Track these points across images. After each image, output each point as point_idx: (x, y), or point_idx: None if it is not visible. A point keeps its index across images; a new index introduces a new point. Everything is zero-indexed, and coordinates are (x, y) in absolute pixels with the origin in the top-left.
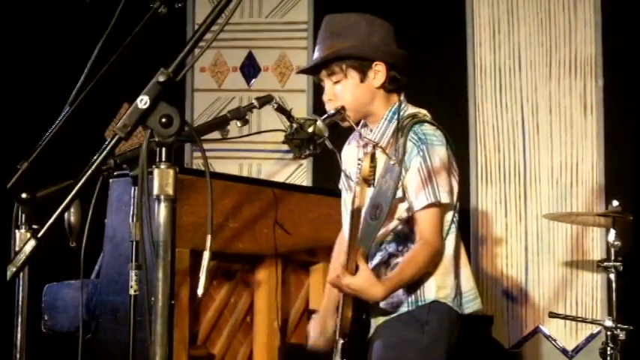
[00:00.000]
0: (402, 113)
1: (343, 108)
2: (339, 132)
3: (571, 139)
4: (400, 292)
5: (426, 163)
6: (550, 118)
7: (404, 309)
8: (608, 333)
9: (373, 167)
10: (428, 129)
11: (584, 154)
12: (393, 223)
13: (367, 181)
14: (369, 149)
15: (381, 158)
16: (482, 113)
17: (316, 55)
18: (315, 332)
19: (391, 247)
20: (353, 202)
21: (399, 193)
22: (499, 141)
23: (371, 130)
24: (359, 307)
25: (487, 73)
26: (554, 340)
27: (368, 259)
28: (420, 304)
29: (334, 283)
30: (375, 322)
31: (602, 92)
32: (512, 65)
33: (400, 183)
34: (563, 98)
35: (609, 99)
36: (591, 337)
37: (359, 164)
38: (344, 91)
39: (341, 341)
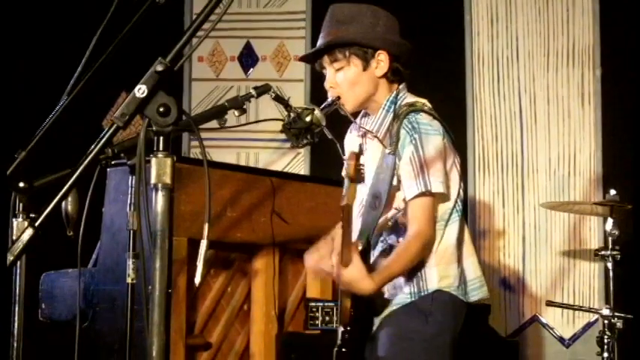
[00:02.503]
0: (399, 102)
1: (338, 98)
2: (338, 121)
3: (569, 129)
4: (403, 283)
5: (417, 152)
6: (548, 108)
7: (407, 300)
8: (606, 321)
9: (359, 166)
10: (423, 118)
11: (582, 144)
12: (392, 213)
13: (353, 179)
14: (368, 138)
15: (378, 147)
16: (480, 103)
17: (320, 42)
18: (311, 259)
19: (391, 239)
20: (342, 199)
21: (395, 182)
22: (497, 131)
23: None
24: (357, 298)
25: (485, 62)
26: (552, 329)
27: (370, 249)
28: (422, 294)
29: (330, 272)
30: (380, 313)
31: (600, 82)
32: (510, 55)
33: (395, 172)
34: (561, 88)
35: (607, 89)
36: (588, 325)
37: (345, 163)
38: (346, 78)
39: (341, 329)
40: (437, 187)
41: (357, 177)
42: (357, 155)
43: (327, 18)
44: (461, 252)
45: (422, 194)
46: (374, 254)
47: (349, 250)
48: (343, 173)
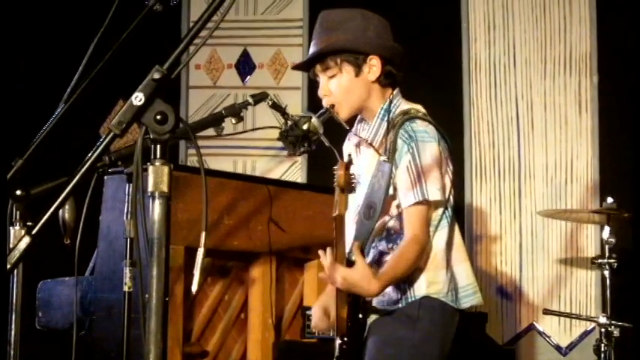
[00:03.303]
0: (393, 110)
1: (332, 106)
2: (335, 129)
3: (566, 136)
4: (390, 289)
5: (415, 160)
6: (545, 114)
7: (395, 306)
8: (602, 330)
9: (349, 176)
10: (419, 126)
11: (579, 151)
12: (386, 219)
13: (344, 189)
14: (363, 146)
15: (373, 156)
16: (477, 109)
17: (311, 50)
18: (317, 316)
19: (381, 245)
20: (334, 209)
21: (391, 191)
22: (494, 137)
23: (368, 126)
24: (354, 307)
25: (482, 69)
26: (549, 337)
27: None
28: (410, 300)
29: (329, 276)
30: (369, 320)
31: (597, 89)
32: (507, 61)
33: (391, 181)
34: (558, 95)
35: (604, 96)
36: (585, 333)
37: (334, 173)
38: (339, 85)
39: (338, 341)
40: (434, 194)
41: (348, 187)
42: (347, 165)
43: (317, 25)
44: (450, 257)
45: (419, 202)
46: (366, 261)
47: (342, 255)
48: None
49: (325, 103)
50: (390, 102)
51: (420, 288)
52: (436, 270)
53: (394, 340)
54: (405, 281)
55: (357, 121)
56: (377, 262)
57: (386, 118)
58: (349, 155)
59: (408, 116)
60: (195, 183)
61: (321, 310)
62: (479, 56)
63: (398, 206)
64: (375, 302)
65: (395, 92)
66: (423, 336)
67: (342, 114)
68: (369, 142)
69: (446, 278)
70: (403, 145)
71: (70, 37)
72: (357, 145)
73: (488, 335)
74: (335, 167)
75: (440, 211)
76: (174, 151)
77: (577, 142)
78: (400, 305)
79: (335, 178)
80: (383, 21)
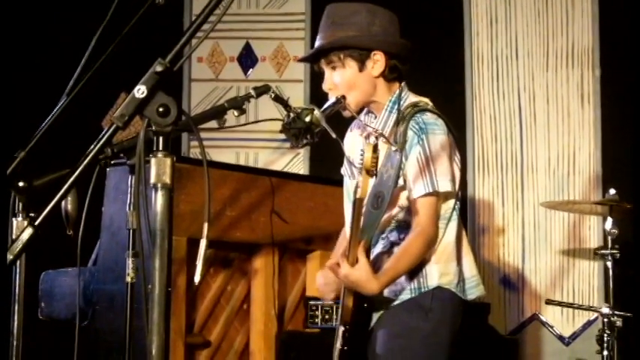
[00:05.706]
0: (402, 102)
1: (343, 97)
2: (340, 120)
3: (568, 128)
4: (403, 279)
5: (425, 151)
6: (547, 107)
7: (407, 296)
8: (605, 320)
9: (375, 158)
10: (429, 118)
11: (582, 144)
12: (395, 211)
13: (369, 171)
14: (372, 139)
15: (382, 147)
16: (480, 102)
17: (317, 43)
18: (320, 281)
19: (392, 236)
20: (355, 192)
21: (400, 182)
22: (496, 130)
23: (375, 118)
24: (360, 296)
25: (484, 62)
26: (552, 327)
27: (370, 250)
28: (422, 290)
29: (333, 270)
30: (379, 309)
31: (599, 82)
32: (509, 54)
33: (401, 172)
34: (561, 88)
35: (606, 89)
36: (588, 324)
37: (361, 155)
38: (343, 80)
39: (342, 329)
40: (444, 185)
41: (372, 170)
42: (375, 147)
43: (324, 18)
44: (460, 250)
45: (429, 194)
46: (374, 252)
47: (357, 248)
48: (342, 171)
49: (331, 96)
50: (399, 94)
51: (433, 278)
52: (447, 262)
53: (406, 331)
54: (417, 272)
55: (363, 113)
56: (387, 252)
57: (394, 110)
58: (377, 137)
59: (418, 108)
60: (197, 175)
61: (324, 276)
62: (481, 49)
63: (408, 198)
64: (386, 292)
65: (402, 85)
66: (434, 326)
67: (350, 108)
68: (379, 131)
69: (456, 270)
70: (414, 136)
71: (72, 29)
72: (367, 137)
73: (491, 326)
74: (362, 149)
75: (451, 203)
76: (177, 143)
77: (579, 134)
78: (412, 295)
79: (361, 160)
80: (389, 14)
